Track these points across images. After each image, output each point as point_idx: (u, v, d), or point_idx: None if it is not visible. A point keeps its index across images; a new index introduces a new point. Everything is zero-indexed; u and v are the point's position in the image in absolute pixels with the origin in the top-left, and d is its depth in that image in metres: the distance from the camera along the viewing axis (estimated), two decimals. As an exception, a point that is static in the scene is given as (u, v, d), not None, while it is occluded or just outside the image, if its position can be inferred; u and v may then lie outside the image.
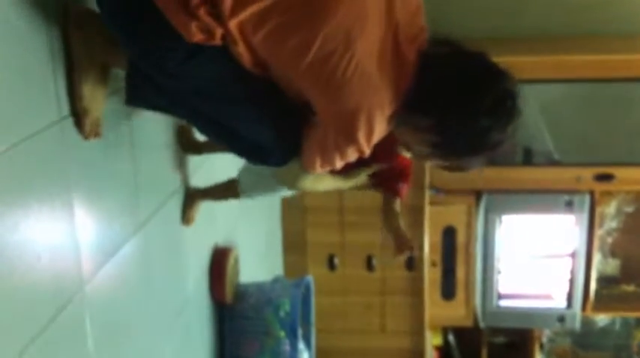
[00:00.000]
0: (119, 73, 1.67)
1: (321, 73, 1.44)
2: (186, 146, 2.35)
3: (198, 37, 1.42)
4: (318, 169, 1.65)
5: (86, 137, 1.62)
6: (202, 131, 1.76)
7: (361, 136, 1.50)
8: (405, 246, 2.13)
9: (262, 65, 1.51)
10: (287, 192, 2.24)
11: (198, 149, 2.39)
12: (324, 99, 1.49)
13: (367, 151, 1.56)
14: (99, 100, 1.62)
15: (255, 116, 1.58)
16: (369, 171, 2.02)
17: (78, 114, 1.58)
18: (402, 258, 2.18)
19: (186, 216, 2.38)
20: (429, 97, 1.47)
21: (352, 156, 1.57)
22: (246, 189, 2.32)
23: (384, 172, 2.11)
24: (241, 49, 1.46)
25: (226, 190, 2.39)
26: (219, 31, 1.42)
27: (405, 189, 2.18)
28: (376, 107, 1.46)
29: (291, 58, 1.46)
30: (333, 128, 1.52)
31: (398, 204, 2.18)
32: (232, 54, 1.48)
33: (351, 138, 1.50)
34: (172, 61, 1.46)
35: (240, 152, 1.74)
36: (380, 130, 1.51)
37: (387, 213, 2.18)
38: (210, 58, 1.47)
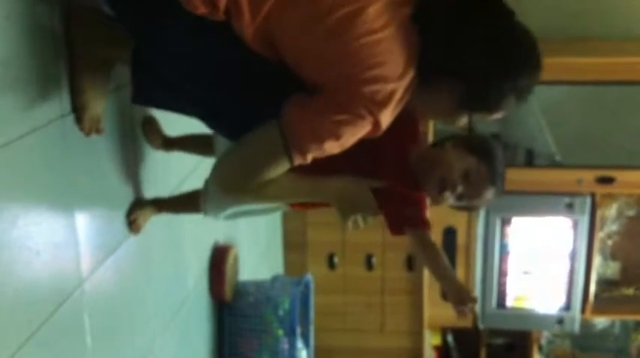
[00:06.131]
0: (122, 70, 1.67)
1: (334, 37, 1.36)
2: (153, 140, 2.08)
3: (200, 9, 1.37)
4: (310, 147, 1.40)
5: (86, 133, 1.62)
6: (213, 127, 1.68)
7: (378, 96, 1.36)
8: (466, 298, 1.74)
9: (266, 41, 1.43)
10: (272, 210, 2.04)
11: (168, 145, 2.13)
12: (337, 66, 1.38)
13: (384, 123, 1.41)
14: (100, 96, 1.62)
15: (265, 107, 1.46)
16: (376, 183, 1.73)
17: (78, 111, 1.58)
18: (465, 311, 1.74)
19: (133, 224, 1.96)
20: (454, 50, 1.40)
21: (364, 127, 1.40)
22: (212, 203, 1.99)
23: (398, 204, 1.85)
24: (246, 22, 1.38)
25: (188, 203, 2.09)
26: (222, 2, 1.36)
27: (426, 215, 1.89)
28: (394, 67, 1.37)
29: (301, 27, 1.38)
30: (345, 92, 1.37)
31: (431, 238, 1.86)
32: (235, 30, 1.40)
33: (369, 101, 1.37)
34: (173, 39, 1.42)
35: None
36: (400, 95, 1.40)
37: (429, 256, 1.84)
38: (211, 37, 1.41)
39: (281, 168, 1.44)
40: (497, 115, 1.52)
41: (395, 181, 1.81)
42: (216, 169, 1.57)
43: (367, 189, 1.64)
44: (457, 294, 1.76)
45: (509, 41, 1.43)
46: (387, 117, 1.42)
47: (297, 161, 1.42)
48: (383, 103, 1.38)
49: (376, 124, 1.41)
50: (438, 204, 1.83)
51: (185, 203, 2.10)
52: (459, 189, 1.79)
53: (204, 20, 1.39)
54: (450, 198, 1.81)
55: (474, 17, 1.41)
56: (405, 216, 1.87)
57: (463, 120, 1.51)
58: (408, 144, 1.84)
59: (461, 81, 1.43)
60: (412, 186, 1.85)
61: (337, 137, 1.40)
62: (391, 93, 1.38)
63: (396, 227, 1.89)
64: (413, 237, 1.87)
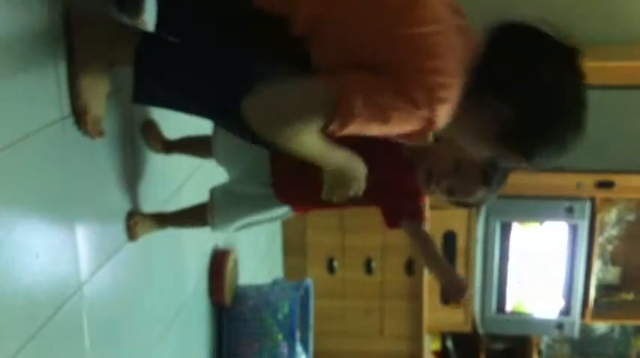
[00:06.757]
0: (121, 72, 1.66)
1: (396, 20, 1.31)
2: (153, 143, 2.06)
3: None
4: (355, 120, 1.29)
5: (91, 136, 1.61)
6: (218, 123, 1.65)
7: (440, 91, 1.30)
8: (460, 289, 1.73)
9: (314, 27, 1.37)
10: (277, 214, 2.03)
11: (168, 148, 2.11)
12: (398, 51, 1.31)
13: (439, 121, 1.33)
14: (100, 99, 1.62)
15: None
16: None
17: (77, 113, 1.57)
18: (456, 299, 1.82)
19: (132, 229, 1.93)
20: (515, 78, 1.34)
21: (415, 121, 1.32)
22: (222, 216, 2.00)
23: (396, 197, 1.85)
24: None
25: (193, 216, 2.08)
26: None
27: (424, 209, 1.88)
28: (455, 63, 1.31)
29: (359, 8, 1.34)
30: (408, 79, 1.29)
31: (426, 229, 1.86)
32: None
33: (432, 92, 1.29)
34: (199, 37, 1.42)
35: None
36: (457, 97, 1.33)
37: (423, 246, 1.83)
38: (236, 38, 1.39)
39: (314, 128, 1.31)
40: (524, 164, 1.44)
41: (393, 173, 1.81)
42: (256, 98, 1.35)
43: (364, 172, 1.58)
44: (449, 284, 1.75)
45: (577, 98, 1.40)
46: (443, 116, 1.34)
47: (334, 127, 1.30)
48: (444, 99, 1.31)
49: (430, 121, 1.33)
50: (431, 194, 1.83)
51: (190, 217, 2.09)
52: (446, 182, 1.78)
53: (232, 20, 1.38)
54: (436, 191, 1.80)
55: (549, 57, 1.37)
56: (401, 209, 1.85)
57: (485, 153, 1.45)
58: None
59: (514, 108, 1.34)
60: (411, 178, 1.85)
61: (386, 120, 1.31)
62: (451, 90, 1.31)
63: (392, 219, 1.88)
64: (408, 228, 1.85)
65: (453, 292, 1.75)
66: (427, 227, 1.86)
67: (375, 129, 1.33)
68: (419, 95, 1.29)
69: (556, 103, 1.37)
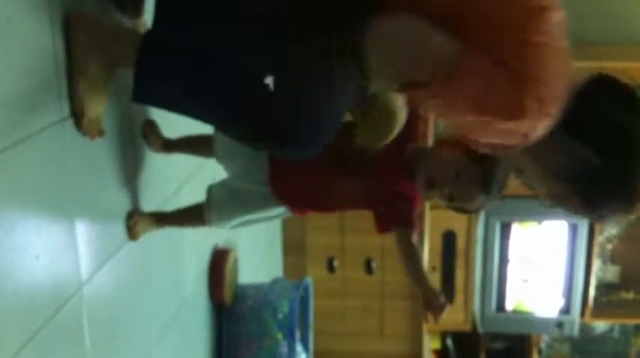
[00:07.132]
0: (121, 72, 1.67)
1: (519, 22, 1.24)
2: (153, 143, 2.05)
3: None
4: (459, 91, 1.22)
5: (90, 137, 1.61)
6: (217, 125, 1.62)
7: (547, 104, 1.23)
8: (436, 305, 1.80)
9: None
10: (274, 213, 2.03)
11: (168, 147, 2.10)
12: (515, 54, 1.23)
13: (536, 133, 1.26)
14: (99, 100, 1.61)
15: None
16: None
17: (76, 115, 1.57)
18: (434, 316, 1.80)
19: (132, 229, 1.93)
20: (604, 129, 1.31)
21: (510, 132, 1.25)
22: (219, 212, 2.00)
23: (390, 200, 1.85)
24: None
25: (191, 215, 2.06)
26: None
27: (417, 216, 1.89)
28: (562, 84, 1.25)
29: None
30: (523, 85, 1.21)
31: (416, 239, 1.87)
32: None
33: (540, 102, 1.21)
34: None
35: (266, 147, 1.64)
36: (555, 118, 1.25)
37: (410, 257, 1.84)
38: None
39: (413, 77, 1.26)
40: (584, 210, 1.41)
41: (394, 174, 1.82)
42: (393, 27, 1.26)
43: (392, 135, 1.56)
44: (428, 301, 1.81)
45: None
46: (540, 132, 1.27)
47: (425, 91, 1.25)
48: (550, 115, 1.25)
49: (526, 135, 1.27)
50: (428, 200, 1.83)
51: (188, 215, 2.08)
52: (447, 189, 1.78)
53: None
54: (435, 196, 1.80)
55: None
56: (393, 214, 1.86)
57: (547, 189, 1.42)
58: (405, 142, 1.84)
59: (601, 156, 1.31)
60: (409, 181, 1.85)
61: (482, 113, 1.24)
62: (557, 108, 1.25)
63: (384, 224, 1.89)
64: (397, 235, 1.86)
65: (432, 309, 1.79)
66: (416, 238, 1.88)
67: (466, 124, 1.30)
68: (529, 101, 1.22)
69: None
